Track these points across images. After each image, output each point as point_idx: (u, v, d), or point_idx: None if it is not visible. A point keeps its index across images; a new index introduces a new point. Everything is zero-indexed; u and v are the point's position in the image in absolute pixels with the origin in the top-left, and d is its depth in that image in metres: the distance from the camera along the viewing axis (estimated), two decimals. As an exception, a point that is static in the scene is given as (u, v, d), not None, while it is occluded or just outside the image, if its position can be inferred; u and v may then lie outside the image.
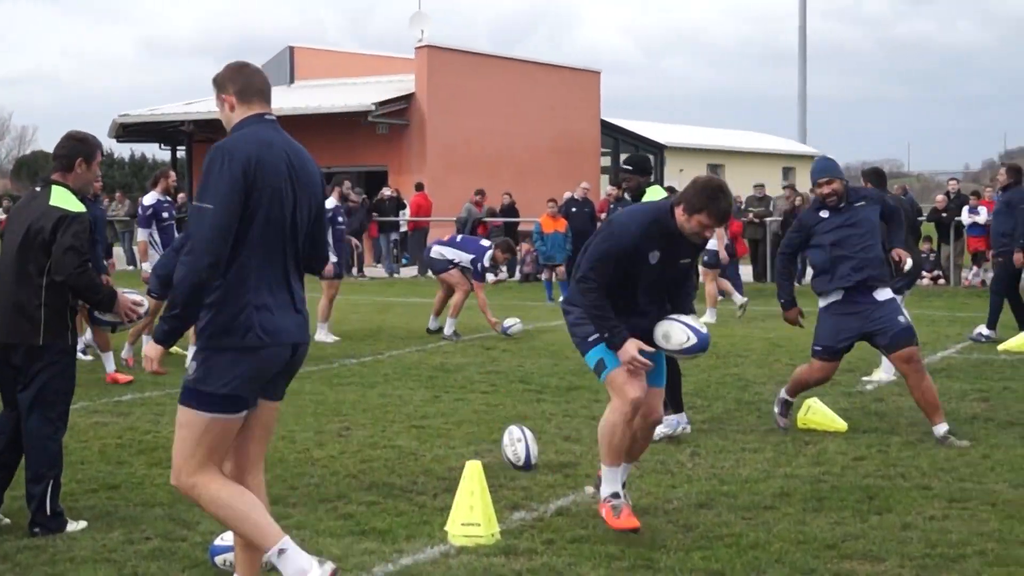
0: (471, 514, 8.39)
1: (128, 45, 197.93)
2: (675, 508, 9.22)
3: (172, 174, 18.82)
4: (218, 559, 7.78)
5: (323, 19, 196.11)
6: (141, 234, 18.46)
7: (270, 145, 6.51)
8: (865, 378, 15.46)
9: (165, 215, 18.35)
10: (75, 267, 8.50)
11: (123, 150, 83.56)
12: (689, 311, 8.89)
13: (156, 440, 11.85)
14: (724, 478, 10.13)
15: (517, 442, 10.51)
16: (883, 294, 11.67)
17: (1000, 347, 18.34)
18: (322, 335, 19.78)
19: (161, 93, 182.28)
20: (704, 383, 15.08)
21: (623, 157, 10.58)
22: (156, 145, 53.89)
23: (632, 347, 8.38)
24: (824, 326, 11.81)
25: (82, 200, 8.85)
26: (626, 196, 12.30)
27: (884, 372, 15.48)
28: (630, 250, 8.32)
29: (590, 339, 8.68)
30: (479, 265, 20.43)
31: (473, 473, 8.53)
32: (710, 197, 8.16)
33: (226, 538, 7.85)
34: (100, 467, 10.71)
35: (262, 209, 6.37)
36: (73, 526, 8.70)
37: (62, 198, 8.67)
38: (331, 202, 20.58)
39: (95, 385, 15.12)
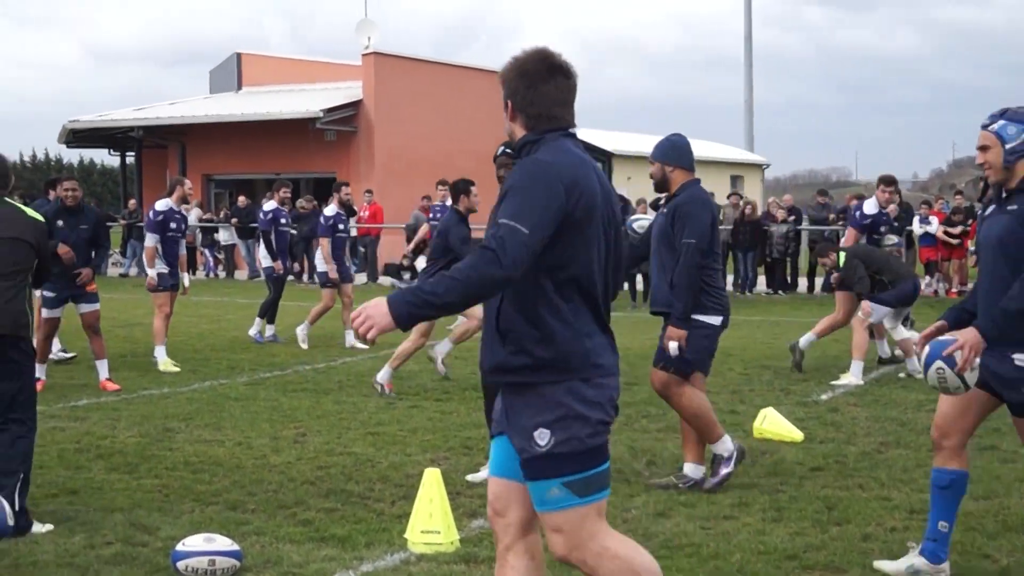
0: (431, 521, 8.40)
1: (71, 51, 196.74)
2: (634, 517, 9.22)
3: (187, 182, 18.22)
4: (180, 564, 7.77)
5: (266, 25, 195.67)
6: (149, 239, 17.74)
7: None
8: (834, 382, 15.62)
9: (173, 225, 17.73)
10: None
11: (73, 156, 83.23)
12: None
13: (113, 445, 11.81)
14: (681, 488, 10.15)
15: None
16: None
17: None
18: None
19: (108, 99, 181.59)
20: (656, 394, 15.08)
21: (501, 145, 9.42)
22: (106, 151, 53.61)
23: None
24: None
25: None
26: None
27: (853, 376, 15.65)
28: None
29: None
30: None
31: (432, 480, 8.55)
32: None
33: (187, 543, 7.84)
34: (59, 472, 10.66)
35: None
36: (39, 528, 8.72)
37: (25, 209, 9.43)
38: (331, 209, 20.70)
39: (50, 390, 15.03)
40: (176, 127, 45.40)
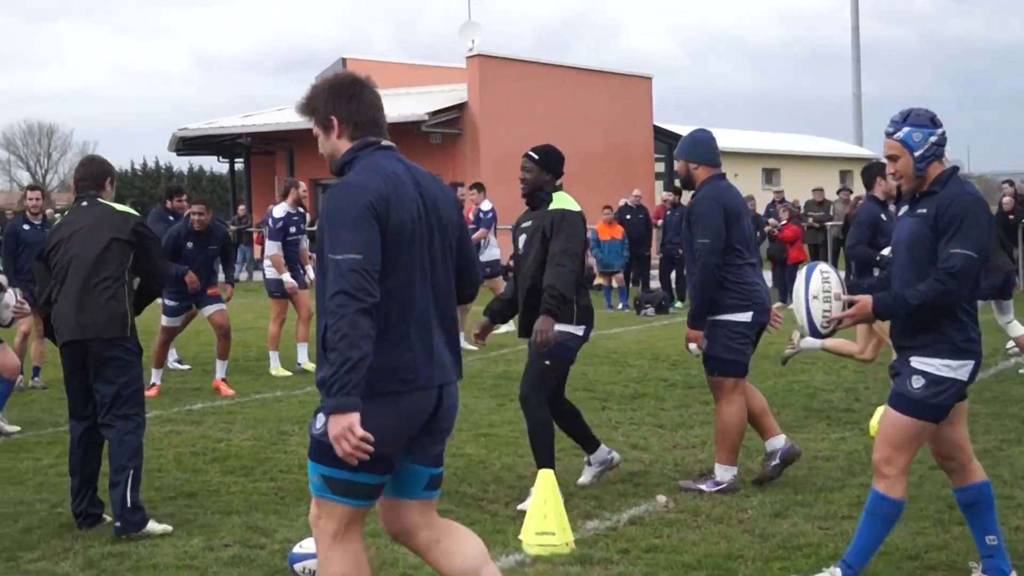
0: (545, 523, 8.38)
1: (180, 61, 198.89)
2: (750, 518, 9.17)
3: (301, 184, 18.02)
4: (297, 566, 7.79)
5: (370, 30, 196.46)
6: (271, 247, 17.58)
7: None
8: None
9: (293, 229, 17.62)
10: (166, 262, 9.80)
11: (182, 163, 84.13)
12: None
13: (229, 448, 11.93)
14: (798, 487, 10.06)
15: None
16: None
17: None
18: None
19: (215, 108, 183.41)
20: (771, 391, 14.97)
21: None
22: (214, 158, 54.11)
23: None
24: None
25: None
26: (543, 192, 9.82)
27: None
28: None
29: None
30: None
31: (546, 482, 8.53)
32: None
33: (304, 545, 7.86)
34: (176, 475, 10.78)
35: None
36: (155, 526, 8.83)
37: (120, 208, 9.55)
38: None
39: (166, 394, 15.19)
40: (283, 133, 45.68)
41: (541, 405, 9.67)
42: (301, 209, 17.95)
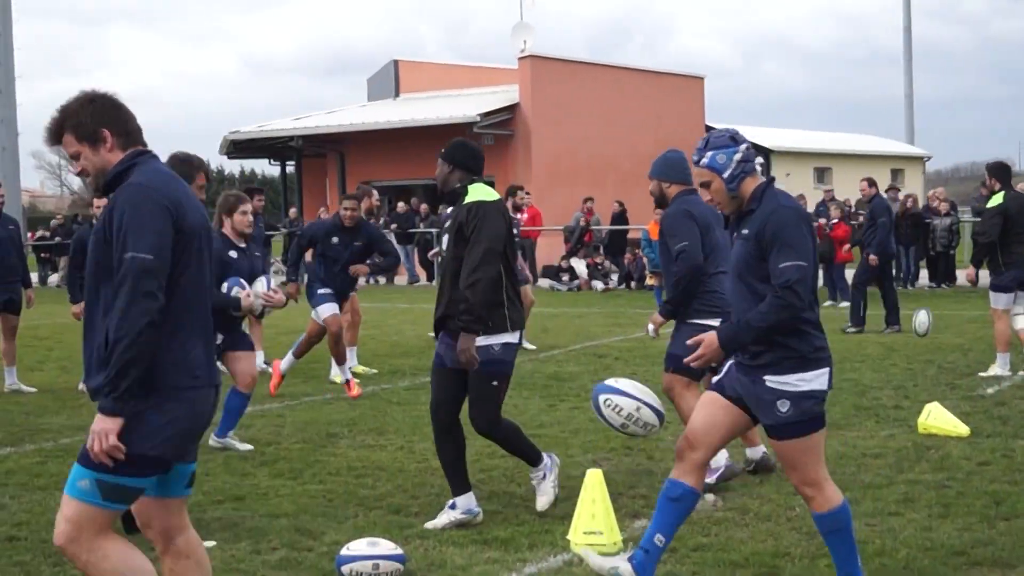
0: (593, 522, 8.39)
1: (230, 64, 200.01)
2: (797, 515, 9.14)
3: (375, 192, 18.09)
4: (344, 569, 7.83)
5: (421, 33, 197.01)
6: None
7: None
8: (982, 374, 15.33)
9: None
10: None
11: (233, 166, 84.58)
12: None
13: (278, 452, 11.95)
14: (846, 484, 10.00)
15: (636, 412, 9.11)
16: None
17: None
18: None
19: (266, 110, 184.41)
20: (820, 389, 14.95)
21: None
22: (266, 161, 54.37)
23: None
24: None
25: None
26: (457, 186, 9.40)
27: (999, 368, 15.34)
28: None
29: None
30: None
31: (594, 481, 8.53)
32: None
33: (352, 548, 7.91)
34: (225, 478, 10.81)
35: None
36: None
37: None
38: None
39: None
40: (334, 135, 45.87)
41: (499, 422, 9.31)
42: (372, 216, 18.20)
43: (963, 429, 11.90)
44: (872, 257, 21.96)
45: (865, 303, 22.35)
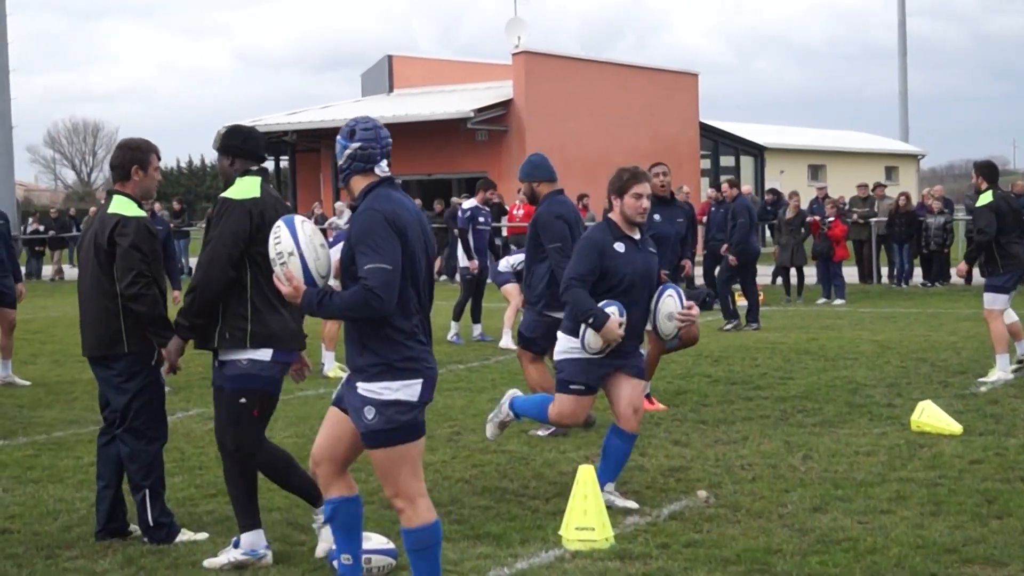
0: (585, 518, 8.40)
1: (225, 58, 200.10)
2: (789, 512, 9.17)
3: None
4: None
5: (415, 28, 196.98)
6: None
7: None
8: (980, 379, 15.30)
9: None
10: (131, 271, 8.38)
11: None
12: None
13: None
14: (838, 482, 10.06)
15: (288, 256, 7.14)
16: None
17: None
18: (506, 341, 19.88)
19: (260, 105, 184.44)
20: (814, 386, 14.98)
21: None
22: (260, 155, 54.31)
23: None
24: None
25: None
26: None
27: (1000, 371, 15.32)
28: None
29: None
30: None
31: (586, 478, 8.55)
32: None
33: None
34: (218, 472, 10.71)
35: None
36: (188, 535, 8.74)
37: (120, 205, 8.63)
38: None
39: (210, 390, 15.22)
40: (329, 130, 45.75)
41: (253, 446, 8.31)
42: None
43: (956, 427, 11.92)
44: (731, 258, 23.02)
45: (733, 298, 23.29)
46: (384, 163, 7.06)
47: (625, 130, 46.12)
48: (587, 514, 8.40)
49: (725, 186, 24.91)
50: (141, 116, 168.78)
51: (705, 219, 30.25)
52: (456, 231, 22.81)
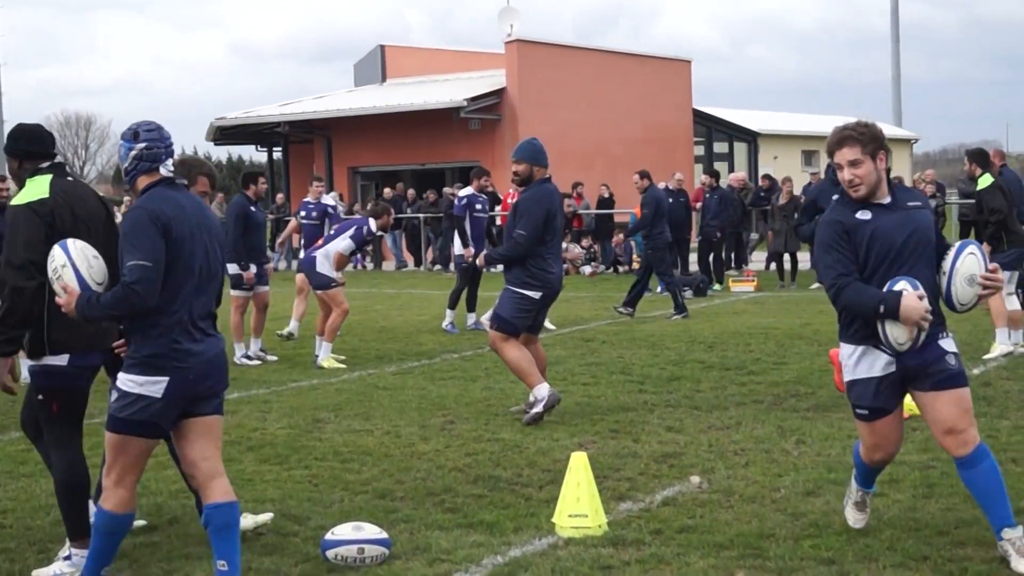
0: (578, 505, 8.39)
1: (218, 50, 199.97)
2: (782, 496, 9.17)
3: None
4: (329, 553, 7.84)
5: (408, 18, 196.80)
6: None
7: None
8: (986, 356, 15.33)
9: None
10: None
11: (220, 153, 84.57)
12: None
13: (264, 437, 11.95)
14: (831, 465, 10.05)
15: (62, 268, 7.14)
16: None
17: None
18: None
19: (253, 97, 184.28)
20: (807, 371, 15.00)
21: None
22: (253, 147, 54.37)
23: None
24: None
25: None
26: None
27: (1002, 345, 15.35)
28: None
29: None
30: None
31: (579, 464, 8.54)
32: None
33: (337, 532, 7.91)
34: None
35: None
36: (251, 520, 8.58)
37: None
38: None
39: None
40: (321, 121, 45.83)
41: (60, 455, 7.94)
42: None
43: (948, 410, 11.89)
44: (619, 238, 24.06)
45: (680, 287, 23.49)
46: (169, 162, 7.21)
47: (619, 117, 46.13)
48: (580, 501, 8.40)
49: (636, 178, 24.86)
50: (134, 109, 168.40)
51: (699, 206, 30.30)
52: (453, 219, 22.83)
